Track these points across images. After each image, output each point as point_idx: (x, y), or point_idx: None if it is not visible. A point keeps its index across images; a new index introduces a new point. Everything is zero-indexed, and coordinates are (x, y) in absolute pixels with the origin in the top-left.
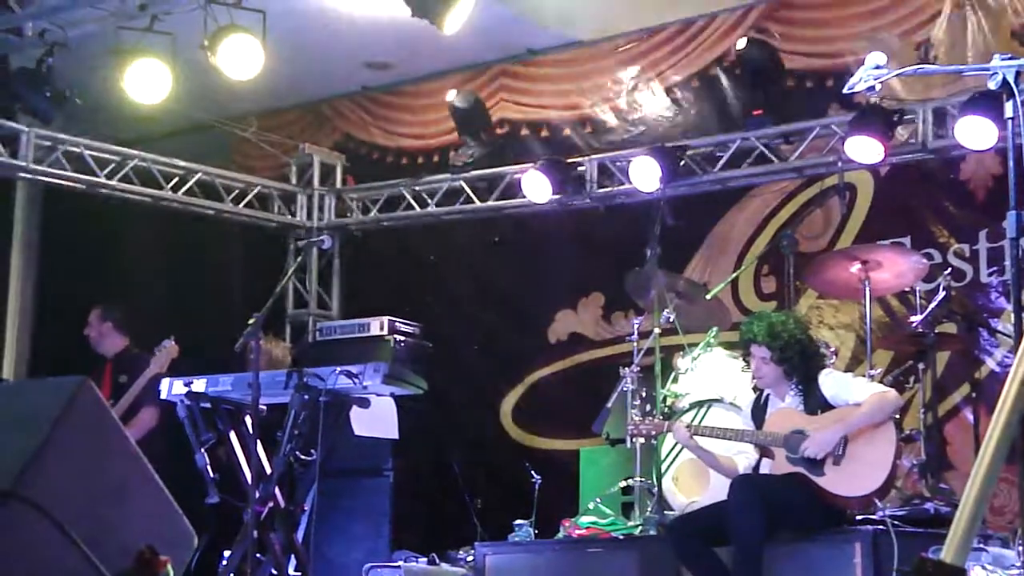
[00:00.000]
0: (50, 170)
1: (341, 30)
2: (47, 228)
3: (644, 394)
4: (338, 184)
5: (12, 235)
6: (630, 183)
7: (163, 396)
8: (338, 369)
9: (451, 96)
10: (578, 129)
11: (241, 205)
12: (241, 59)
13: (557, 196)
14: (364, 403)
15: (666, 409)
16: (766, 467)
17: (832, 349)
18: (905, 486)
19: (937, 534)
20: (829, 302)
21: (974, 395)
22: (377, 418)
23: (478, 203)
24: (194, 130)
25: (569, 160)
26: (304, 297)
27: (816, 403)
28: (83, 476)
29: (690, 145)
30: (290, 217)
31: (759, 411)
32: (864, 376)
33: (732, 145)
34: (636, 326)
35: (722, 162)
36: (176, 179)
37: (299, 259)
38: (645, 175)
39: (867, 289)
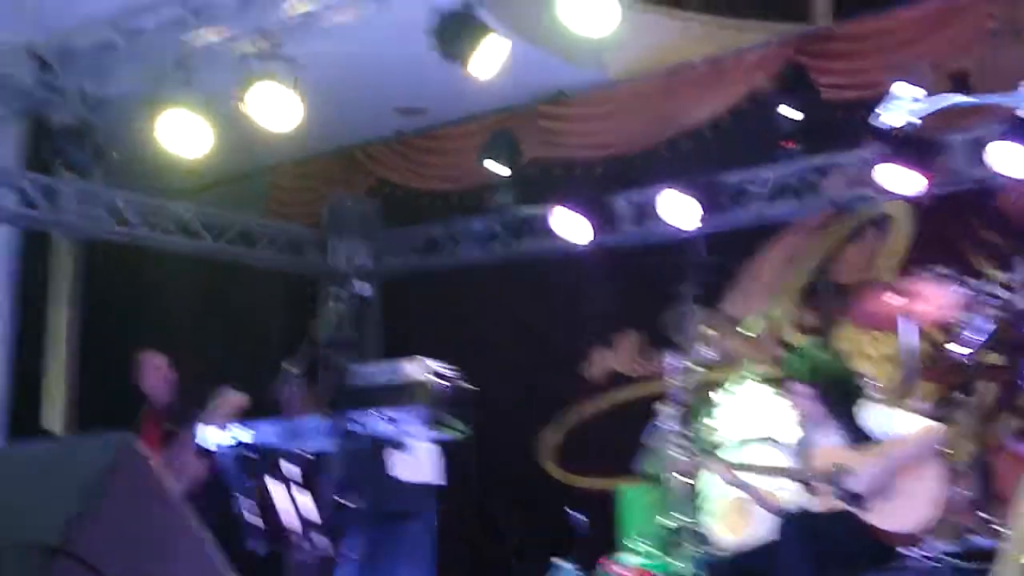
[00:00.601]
0: (91, 224)
1: (373, 76)
2: (88, 280)
3: (683, 431)
4: (373, 229)
5: (55, 288)
6: (664, 220)
7: (205, 445)
8: (378, 414)
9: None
10: (611, 167)
11: (278, 252)
12: (275, 110)
13: (591, 235)
14: (405, 447)
15: (706, 446)
16: (811, 503)
17: (874, 382)
18: (953, 520)
19: (988, 569)
20: (870, 334)
21: (1021, 425)
22: (419, 462)
23: (513, 244)
24: (231, 179)
25: (602, 198)
26: (343, 342)
27: (859, 437)
28: (130, 531)
29: (724, 180)
30: (326, 263)
31: (801, 446)
32: (908, 409)
33: (767, 179)
34: (673, 363)
35: (757, 196)
36: (214, 228)
37: (336, 305)
38: (679, 211)
39: (908, 321)
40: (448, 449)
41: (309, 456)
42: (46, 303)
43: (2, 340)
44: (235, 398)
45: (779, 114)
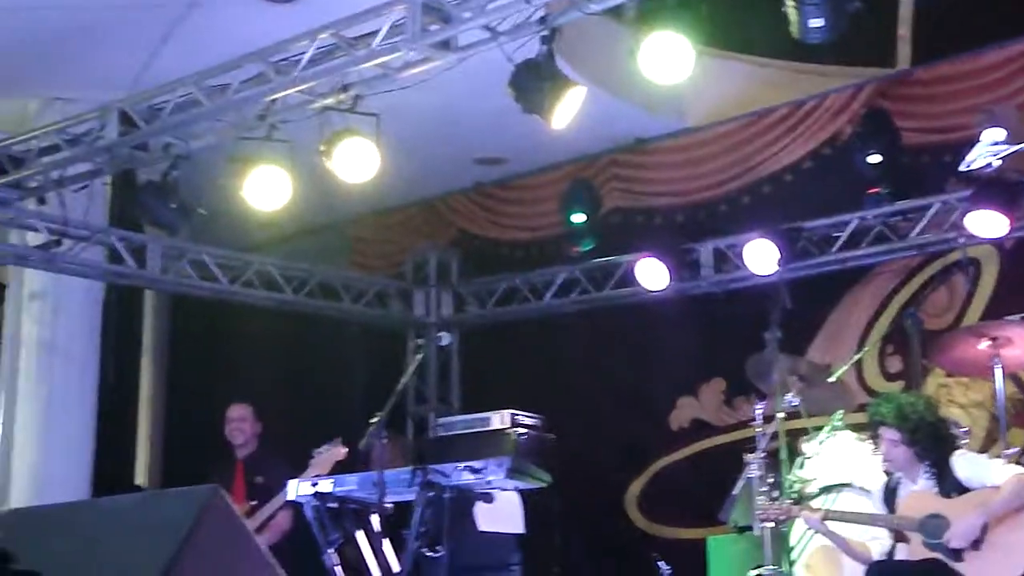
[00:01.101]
0: (177, 279)
1: (452, 128)
2: (175, 334)
3: (771, 480)
4: (454, 279)
5: (142, 342)
6: (746, 267)
7: (291, 497)
8: (461, 465)
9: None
10: (692, 214)
11: (361, 303)
12: (356, 162)
13: (673, 283)
14: (488, 498)
15: (794, 495)
16: (901, 552)
17: (964, 429)
18: None
19: None
20: (958, 380)
21: None
22: (502, 513)
23: (594, 293)
24: (313, 232)
25: (684, 246)
26: (425, 393)
27: (950, 485)
28: None
29: (806, 226)
30: (409, 314)
31: (890, 495)
32: (999, 456)
33: (850, 224)
34: (759, 411)
35: (840, 242)
36: (297, 281)
37: (419, 355)
38: (762, 258)
39: (998, 366)
40: (531, 499)
41: (393, 508)
42: (135, 356)
43: (90, 393)
44: (339, 450)
45: (861, 159)
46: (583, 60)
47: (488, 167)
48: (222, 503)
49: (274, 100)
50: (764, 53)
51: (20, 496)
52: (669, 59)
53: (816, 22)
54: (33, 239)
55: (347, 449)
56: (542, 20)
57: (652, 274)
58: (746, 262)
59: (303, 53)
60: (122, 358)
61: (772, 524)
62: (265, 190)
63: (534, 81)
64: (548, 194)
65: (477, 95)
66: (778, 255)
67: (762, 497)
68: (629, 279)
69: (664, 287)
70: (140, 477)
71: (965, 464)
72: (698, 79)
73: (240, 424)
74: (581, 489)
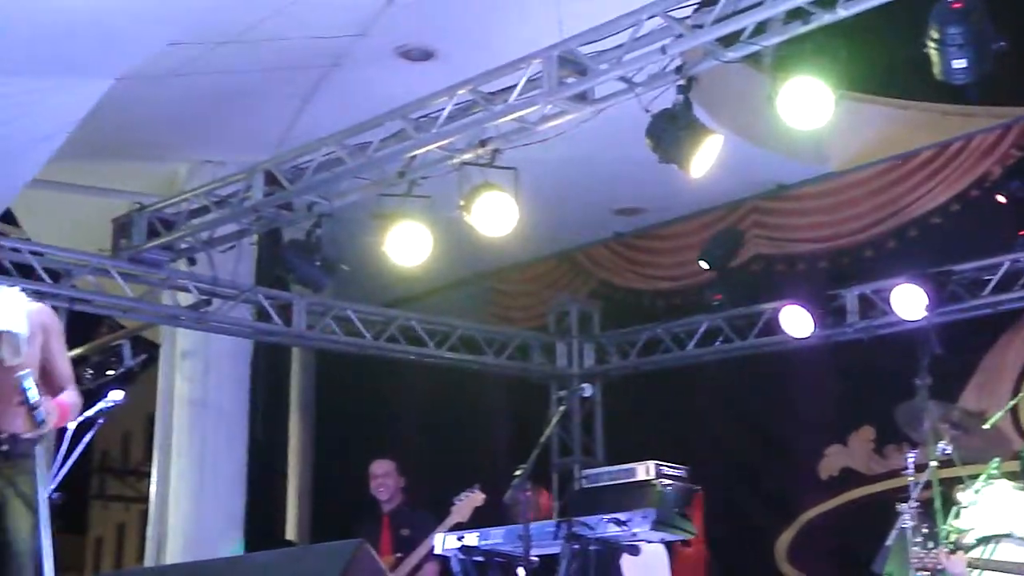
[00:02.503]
0: (322, 335)
1: (591, 180)
2: (321, 390)
3: (925, 530)
4: (596, 330)
5: (290, 398)
6: (894, 312)
7: (437, 551)
8: (606, 517)
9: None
10: (835, 260)
11: (503, 357)
12: (496, 216)
13: (818, 330)
14: (634, 551)
15: (950, 546)
16: None
17: None
18: None
19: None
20: None
21: None
22: (648, 565)
23: (737, 341)
24: (454, 286)
25: (828, 292)
26: (569, 445)
27: None
28: None
29: (955, 270)
30: (551, 366)
31: None
32: None
33: (1001, 267)
34: (911, 460)
35: (991, 285)
36: (439, 335)
37: (562, 407)
38: (909, 303)
39: None
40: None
41: (539, 561)
42: (283, 412)
43: (241, 449)
44: (478, 496)
45: (1010, 200)
46: (720, 108)
47: (627, 217)
48: (367, 557)
49: (414, 156)
50: (906, 95)
51: (176, 551)
52: (809, 104)
53: (959, 63)
54: (184, 299)
55: (485, 496)
56: (678, 70)
57: (796, 321)
58: (893, 307)
59: (442, 109)
60: (271, 414)
61: (928, 574)
62: (406, 245)
63: (671, 131)
64: (689, 243)
65: (614, 146)
66: (926, 300)
67: (917, 547)
68: (773, 327)
69: (809, 334)
70: (290, 532)
71: None
72: (839, 123)
73: (384, 480)
74: (729, 540)
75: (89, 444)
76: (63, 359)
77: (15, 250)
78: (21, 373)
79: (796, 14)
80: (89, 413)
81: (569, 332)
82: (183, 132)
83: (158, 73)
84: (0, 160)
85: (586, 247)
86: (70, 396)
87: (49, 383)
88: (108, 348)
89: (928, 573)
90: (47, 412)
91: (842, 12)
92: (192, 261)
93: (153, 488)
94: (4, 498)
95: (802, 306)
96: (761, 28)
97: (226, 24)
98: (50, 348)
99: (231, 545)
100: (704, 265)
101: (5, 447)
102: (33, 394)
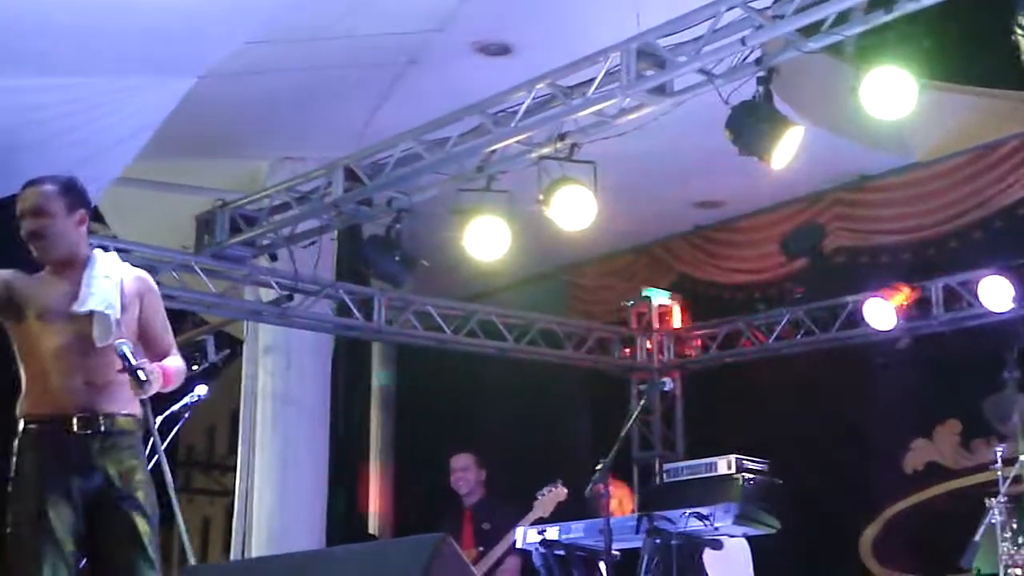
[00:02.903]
0: (402, 330)
1: (670, 173)
2: (400, 384)
3: (1014, 525)
4: (676, 324)
5: (370, 394)
6: (981, 304)
7: (519, 545)
8: (688, 511)
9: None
10: (920, 252)
11: (582, 351)
12: (574, 210)
13: (902, 322)
14: (717, 545)
15: None
16: None
17: None
18: None
19: None
20: None
21: None
22: (731, 560)
23: (819, 334)
24: (533, 280)
25: (913, 285)
26: (649, 439)
27: None
28: None
29: None
30: (631, 360)
31: None
32: None
33: None
34: (999, 453)
35: None
36: (518, 330)
37: (642, 401)
38: (996, 295)
39: None
40: (760, 546)
41: (619, 555)
42: (364, 407)
43: (323, 443)
44: (561, 490)
45: None
46: (801, 99)
47: (707, 210)
48: (450, 551)
49: (492, 151)
50: (991, 84)
51: (260, 544)
52: (892, 94)
53: None
54: (266, 295)
55: (568, 490)
56: (758, 61)
57: (880, 314)
58: (980, 299)
59: (520, 104)
60: (352, 409)
61: (1020, 571)
62: (485, 240)
63: (752, 123)
64: (769, 236)
65: (693, 138)
66: (1013, 291)
67: (1007, 543)
68: (856, 319)
69: (893, 327)
70: (372, 525)
71: None
72: (923, 113)
73: (463, 474)
74: (811, 535)
75: (175, 438)
76: (162, 325)
77: (102, 247)
78: (119, 341)
79: (879, 3)
80: (175, 408)
81: (649, 326)
82: (264, 129)
83: (240, 71)
84: (88, 158)
85: (665, 240)
86: (173, 360)
87: (150, 350)
88: (192, 343)
89: (1019, 570)
90: (150, 372)
91: (925, 0)
92: (274, 257)
93: (237, 482)
94: (110, 479)
95: (885, 299)
96: (843, 17)
97: (305, 22)
98: (147, 316)
99: (313, 538)
100: (785, 258)
101: (103, 428)
102: (132, 357)
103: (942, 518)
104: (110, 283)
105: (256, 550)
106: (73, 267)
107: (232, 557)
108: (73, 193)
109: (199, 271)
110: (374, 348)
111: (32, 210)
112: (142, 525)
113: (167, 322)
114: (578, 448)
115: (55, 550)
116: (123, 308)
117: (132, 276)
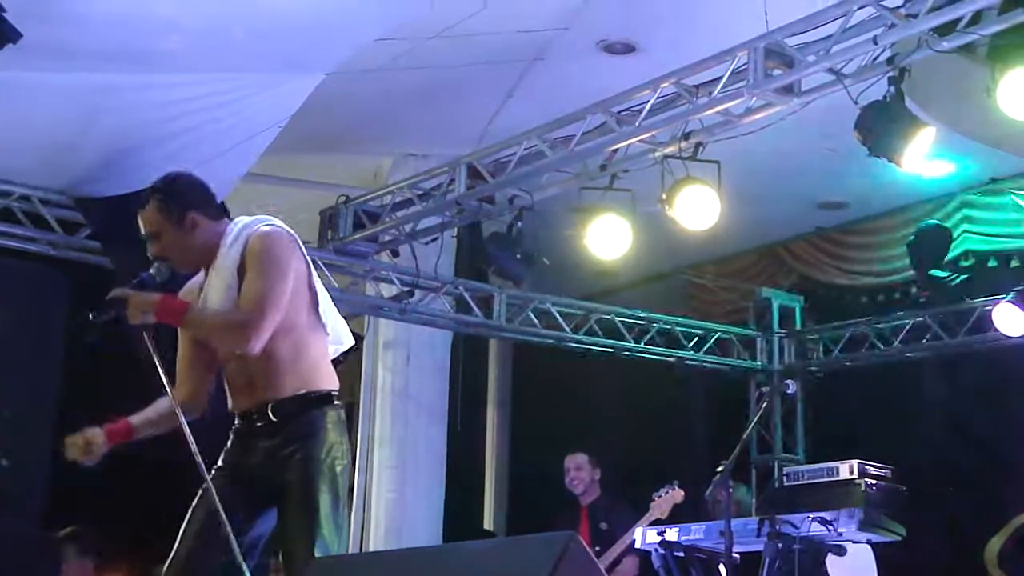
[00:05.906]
0: (522, 328)
1: (794, 174)
2: (517, 382)
3: None
4: (798, 326)
5: (487, 391)
6: None
7: (638, 545)
8: (811, 516)
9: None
10: None
11: (702, 351)
12: (698, 210)
13: None
14: (840, 551)
15: None
16: None
17: None
18: None
19: None
20: None
21: None
22: (855, 566)
23: (947, 339)
24: (653, 280)
25: None
26: (768, 442)
27: None
28: None
29: None
30: (751, 362)
31: None
32: None
33: None
34: None
35: None
36: (637, 329)
37: (763, 404)
38: None
39: None
40: (883, 552)
41: (739, 559)
42: (481, 404)
43: (440, 439)
44: (677, 492)
45: None
46: (932, 99)
47: (831, 212)
48: (579, 549)
49: (616, 150)
50: None
51: (378, 539)
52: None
53: None
54: (387, 290)
55: (684, 492)
56: (889, 61)
57: (1010, 319)
58: None
59: (645, 102)
60: (469, 406)
61: None
62: (607, 239)
63: (882, 123)
64: (894, 238)
65: (819, 139)
66: None
67: None
68: (985, 324)
69: (1023, 333)
70: (487, 522)
71: None
72: None
73: (577, 473)
74: (936, 543)
75: None
76: (253, 284)
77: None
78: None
79: (1016, 1)
80: None
81: (770, 327)
82: (387, 126)
83: (366, 68)
84: (219, 155)
85: (787, 242)
86: (230, 314)
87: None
88: None
89: None
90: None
91: None
92: (395, 253)
93: (356, 476)
94: (284, 468)
95: (1016, 304)
96: (978, 17)
97: (431, 19)
98: (246, 279)
99: (432, 533)
100: (910, 261)
101: (273, 416)
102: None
103: None
104: (222, 283)
105: (374, 545)
106: (210, 262)
107: (351, 550)
108: (172, 200)
109: (322, 266)
110: (491, 346)
111: (147, 235)
112: None
113: (264, 278)
114: (694, 448)
115: None
116: (239, 288)
117: (249, 246)
